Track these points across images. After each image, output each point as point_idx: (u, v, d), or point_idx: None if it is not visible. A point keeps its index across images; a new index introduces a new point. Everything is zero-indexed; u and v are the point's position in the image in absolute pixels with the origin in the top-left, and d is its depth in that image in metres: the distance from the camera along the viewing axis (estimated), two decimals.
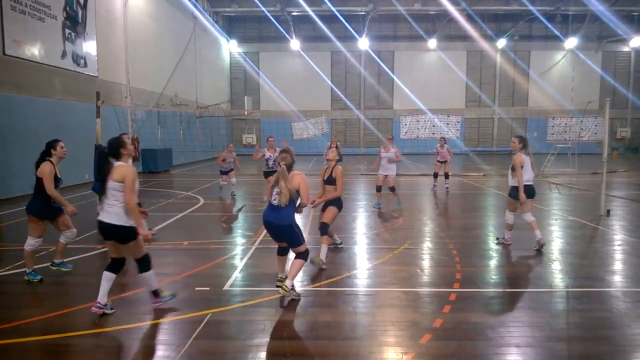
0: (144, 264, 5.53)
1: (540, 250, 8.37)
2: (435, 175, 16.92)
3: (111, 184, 5.23)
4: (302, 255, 6.11)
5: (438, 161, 16.87)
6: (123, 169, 5.30)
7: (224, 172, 15.64)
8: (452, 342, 4.82)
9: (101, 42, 20.08)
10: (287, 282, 5.90)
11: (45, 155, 6.91)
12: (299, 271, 6.11)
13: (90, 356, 4.65)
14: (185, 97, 30.51)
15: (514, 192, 8.79)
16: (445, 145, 16.72)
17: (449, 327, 5.13)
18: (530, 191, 8.71)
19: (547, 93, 39.15)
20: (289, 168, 6.05)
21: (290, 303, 5.92)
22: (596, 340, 4.89)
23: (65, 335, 4.96)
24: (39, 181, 6.66)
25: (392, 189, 13.22)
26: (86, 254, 8.18)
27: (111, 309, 5.51)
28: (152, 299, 5.72)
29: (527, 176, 8.72)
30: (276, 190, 5.95)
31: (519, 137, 8.80)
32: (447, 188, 16.61)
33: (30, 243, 6.77)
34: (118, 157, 5.43)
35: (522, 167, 8.63)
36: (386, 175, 13.21)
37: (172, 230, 10.26)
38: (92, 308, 5.38)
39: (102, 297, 5.42)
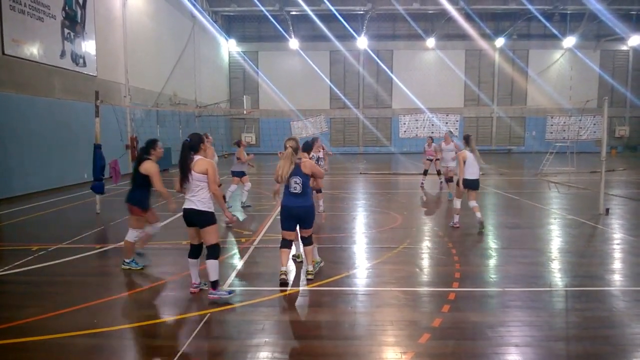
0: (214, 251, 5.94)
1: (481, 231, 9.78)
2: (425, 173, 17.30)
3: (195, 175, 5.80)
4: (309, 240, 6.75)
5: (427, 159, 17.22)
6: (204, 162, 5.89)
7: (238, 174, 13.55)
8: (451, 341, 4.83)
9: (100, 42, 20.05)
10: (309, 268, 6.73)
11: (145, 153, 7.29)
12: (312, 253, 6.81)
13: (89, 356, 4.65)
14: (184, 97, 30.48)
15: (465, 183, 9.97)
16: (433, 144, 16.89)
17: (448, 327, 5.14)
18: (471, 184, 9.93)
19: (546, 92, 39.16)
20: (295, 152, 6.57)
21: (288, 303, 5.93)
22: (595, 340, 4.90)
23: (64, 335, 4.96)
24: (142, 177, 7.14)
25: (450, 179, 14.42)
26: (85, 254, 8.17)
27: (204, 284, 6.23)
28: (209, 290, 5.91)
29: (470, 170, 9.86)
30: (294, 179, 6.49)
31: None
32: (440, 184, 16.63)
33: (134, 235, 7.24)
34: (197, 151, 5.94)
35: (464, 162, 9.83)
36: (446, 167, 14.75)
37: (171, 229, 10.25)
38: (190, 289, 6.13)
39: (195, 278, 6.18)
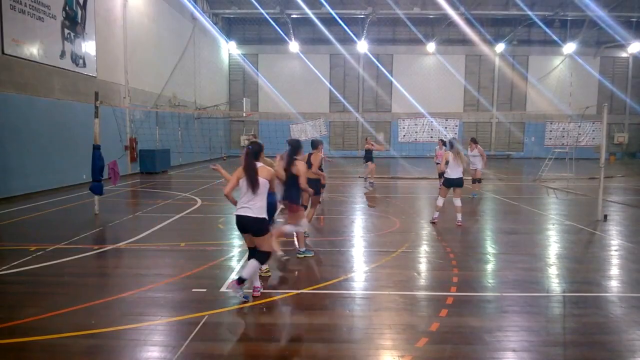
0: (264, 257, 6.03)
1: (459, 226, 10.78)
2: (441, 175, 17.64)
3: (261, 180, 5.87)
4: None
5: (438, 162, 17.85)
6: (266, 169, 6.01)
7: None
8: (448, 346, 4.83)
9: (100, 43, 20.06)
10: (263, 267, 6.87)
11: (294, 154, 7.79)
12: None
13: (87, 356, 4.64)
14: (184, 98, 30.50)
15: (446, 182, 11.11)
16: (444, 147, 16.90)
17: (445, 331, 5.14)
18: (453, 182, 10.97)
19: (545, 97, 39.20)
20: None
21: (286, 305, 5.93)
22: (592, 346, 4.90)
23: (62, 336, 4.96)
24: (294, 176, 7.64)
25: (479, 181, 16.18)
26: (83, 255, 8.16)
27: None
28: (233, 282, 5.91)
29: (452, 170, 10.90)
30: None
31: (441, 141, 12.17)
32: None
33: (304, 223, 8.07)
34: (258, 158, 6.05)
35: (447, 162, 10.94)
36: (475, 169, 16.05)
37: (169, 231, 10.25)
38: (254, 293, 6.11)
39: (256, 282, 6.21)
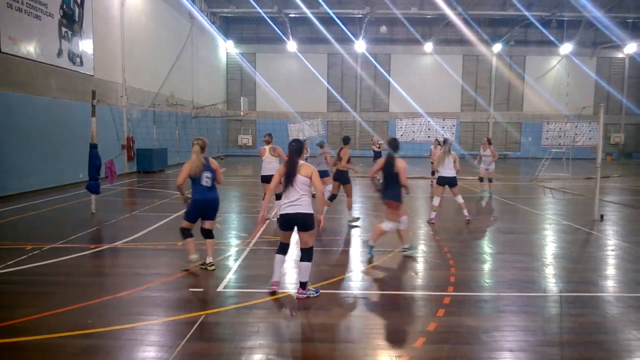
0: (309, 254, 6.16)
1: (468, 223, 11.11)
2: (433, 174, 18.42)
3: (300, 178, 6.05)
4: (211, 234, 7.43)
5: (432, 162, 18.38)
6: (307, 166, 6.17)
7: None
8: (446, 345, 4.84)
9: (97, 41, 20.01)
10: (209, 259, 7.29)
11: (395, 151, 8.16)
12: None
13: (83, 356, 4.62)
14: (181, 97, 30.44)
15: (438, 180, 11.42)
16: (439, 147, 17.36)
17: (443, 331, 5.15)
18: (446, 181, 11.23)
19: (542, 98, 39.30)
20: (202, 149, 7.21)
21: (283, 305, 5.92)
22: (589, 345, 4.91)
23: (58, 335, 4.94)
24: (395, 174, 7.94)
25: (490, 180, 16.17)
26: (79, 254, 8.14)
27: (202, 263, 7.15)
28: (298, 290, 6.13)
29: (441, 168, 11.28)
30: (206, 174, 7.14)
31: (437, 140, 12.58)
32: (431, 185, 18.35)
33: (404, 220, 8.21)
34: (300, 155, 6.23)
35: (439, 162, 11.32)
36: (487, 169, 16.10)
37: (166, 230, 10.23)
38: (273, 287, 6.26)
39: (278, 276, 6.34)
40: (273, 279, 6.29)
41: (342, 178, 11.26)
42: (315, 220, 6.18)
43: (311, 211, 6.12)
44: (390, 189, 8.01)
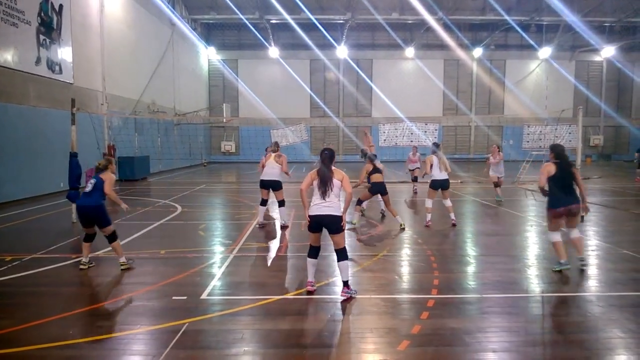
0: (344, 253, 6.41)
1: (454, 226, 11.24)
2: (415, 180, 18.19)
3: (336, 182, 6.40)
4: (113, 236, 7.67)
5: (410, 169, 18.29)
6: (339, 171, 6.55)
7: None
8: (430, 348, 4.85)
9: (77, 49, 19.83)
10: (121, 259, 7.69)
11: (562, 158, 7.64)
12: (119, 247, 7.76)
13: None
14: (163, 105, 30.26)
15: (432, 184, 11.47)
16: (418, 153, 18.12)
17: (427, 334, 5.16)
18: (437, 184, 11.40)
19: (522, 101, 39.79)
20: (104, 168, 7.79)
21: (267, 311, 5.90)
22: (571, 344, 4.96)
23: (39, 347, 4.86)
24: (574, 178, 7.54)
25: (498, 185, 15.72)
26: (60, 264, 8.02)
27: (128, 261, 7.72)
28: (343, 289, 6.34)
29: (437, 172, 11.33)
30: (92, 181, 7.62)
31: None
32: (414, 189, 18.09)
33: (558, 235, 7.59)
34: (333, 162, 6.56)
35: (431, 165, 11.37)
36: (500, 176, 15.79)
37: (149, 238, 10.14)
38: (307, 287, 6.51)
39: (312, 277, 6.58)
40: (308, 279, 6.54)
41: (379, 188, 11.51)
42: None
43: (340, 213, 6.34)
44: (572, 193, 7.55)
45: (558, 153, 7.64)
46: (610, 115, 41.92)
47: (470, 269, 7.88)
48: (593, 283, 7.13)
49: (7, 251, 8.80)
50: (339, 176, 6.47)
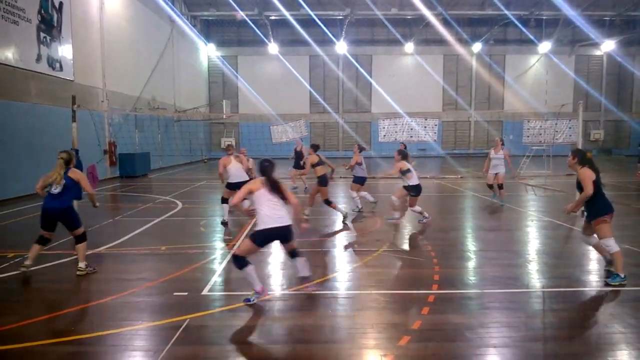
0: (296, 250, 6.28)
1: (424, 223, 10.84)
2: None
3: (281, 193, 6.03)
4: (83, 238, 7.35)
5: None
6: (281, 182, 6.19)
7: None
8: (430, 343, 4.87)
9: (77, 46, 19.81)
10: (81, 265, 7.23)
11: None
12: (85, 252, 7.36)
13: None
14: (163, 101, 30.25)
15: (416, 190, 11.03)
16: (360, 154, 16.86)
17: (427, 329, 5.18)
18: (420, 189, 11.05)
19: (522, 96, 39.66)
20: (67, 163, 7.29)
21: (268, 307, 5.92)
22: (572, 340, 4.98)
23: (41, 343, 4.88)
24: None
25: (500, 186, 14.17)
26: (62, 260, 8.04)
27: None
28: (306, 284, 6.33)
29: (414, 178, 10.94)
30: (61, 182, 7.13)
31: (399, 151, 11.36)
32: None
33: (613, 241, 6.73)
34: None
35: (408, 171, 10.91)
36: (496, 173, 14.31)
37: (150, 235, 10.16)
38: (264, 294, 6.07)
39: (259, 282, 6.07)
40: (259, 287, 5.99)
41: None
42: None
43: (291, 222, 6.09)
44: (594, 201, 6.95)
45: (582, 157, 7.21)
46: (611, 110, 41.84)
47: (471, 264, 7.90)
48: (594, 278, 7.15)
49: (10, 248, 8.82)
50: (283, 187, 6.14)
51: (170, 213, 12.88)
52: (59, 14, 18.56)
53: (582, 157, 7.18)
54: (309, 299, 6.22)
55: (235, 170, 11.23)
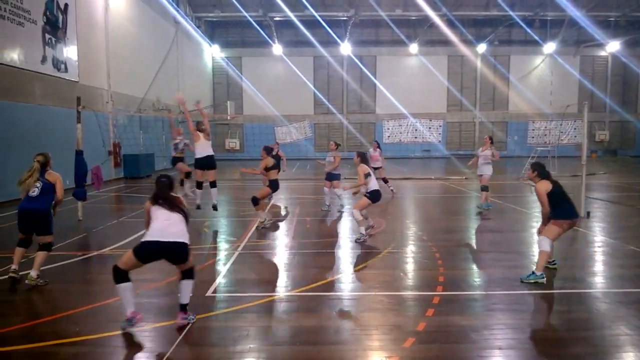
0: (192, 271, 5.56)
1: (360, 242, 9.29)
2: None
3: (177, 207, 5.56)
4: (47, 247, 7.03)
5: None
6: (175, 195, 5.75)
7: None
8: (435, 345, 4.86)
9: (82, 47, 19.87)
10: (33, 273, 6.73)
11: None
12: (42, 263, 6.95)
13: None
14: (168, 102, 30.28)
15: (377, 196, 9.49)
16: (378, 149, 16.17)
17: (432, 331, 5.16)
18: (377, 196, 9.48)
19: (527, 97, 39.58)
20: (43, 166, 7.27)
21: (273, 308, 5.91)
22: (577, 341, 4.95)
23: (47, 344, 4.89)
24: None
25: (484, 188, 13.12)
26: (67, 261, 8.06)
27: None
28: (180, 315, 5.36)
29: (372, 183, 9.50)
30: (37, 184, 7.05)
31: (357, 152, 9.99)
32: (392, 191, 16.07)
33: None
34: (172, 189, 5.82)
35: (368, 174, 9.45)
36: (480, 175, 13.36)
37: None
38: (137, 319, 5.24)
39: (132, 305, 5.24)
40: (131, 311, 5.18)
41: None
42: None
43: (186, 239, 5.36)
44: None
45: (541, 171, 7.20)
46: (616, 111, 41.67)
47: (476, 265, 7.88)
48: (599, 280, 7.12)
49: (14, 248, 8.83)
50: (179, 200, 5.64)
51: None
52: (64, 15, 18.62)
53: (541, 171, 7.22)
54: (314, 300, 6.21)
55: (202, 147, 11.70)
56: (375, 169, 14.70)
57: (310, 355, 4.70)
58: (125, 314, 5.16)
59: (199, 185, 11.92)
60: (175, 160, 14.86)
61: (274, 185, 11.09)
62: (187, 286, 5.38)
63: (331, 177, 13.41)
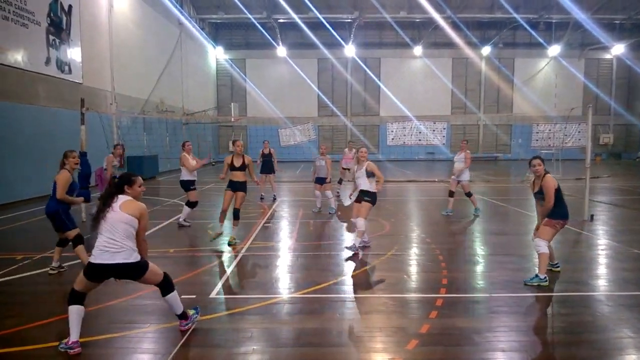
0: (167, 284, 5.35)
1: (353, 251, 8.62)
2: (340, 182, 16.29)
3: (124, 216, 5.10)
4: (75, 241, 7.26)
5: (344, 167, 15.61)
6: (134, 203, 5.26)
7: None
8: (438, 347, 4.85)
9: (86, 49, 19.94)
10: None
11: None
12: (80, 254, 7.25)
13: None
14: (171, 104, 30.37)
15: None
16: (353, 150, 15.01)
17: (435, 333, 5.15)
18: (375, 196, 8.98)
19: (531, 100, 39.57)
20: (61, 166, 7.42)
21: (276, 310, 5.91)
22: (580, 344, 4.93)
23: (47, 345, 4.90)
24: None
25: (469, 194, 12.83)
26: (70, 262, 8.07)
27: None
28: (181, 323, 5.27)
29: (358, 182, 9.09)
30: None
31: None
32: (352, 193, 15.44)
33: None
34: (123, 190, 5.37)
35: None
36: (459, 181, 12.81)
37: (158, 237, 10.18)
38: (75, 349, 4.74)
39: (77, 334, 4.79)
40: (72, 339, 4.74)
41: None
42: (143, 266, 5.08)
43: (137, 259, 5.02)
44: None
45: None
46: (620, 114, 41.62)
47: (479, 268, 7.86)
48: (602, 282, 7.09)
49: (18, 250, 8.88)
50: (132, 209, 5.03)
51: (178, 216, 12.89)
52: (68, 17, 18.69)
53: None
54: (317, 302, 6.21)
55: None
56: (347, 169, 14.93)
57: (313, 357, 4.70)
58: (68, 338, 4.76)
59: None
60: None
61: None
62: (172, 299, 5.16)
63: (321, 180, 13.56)
